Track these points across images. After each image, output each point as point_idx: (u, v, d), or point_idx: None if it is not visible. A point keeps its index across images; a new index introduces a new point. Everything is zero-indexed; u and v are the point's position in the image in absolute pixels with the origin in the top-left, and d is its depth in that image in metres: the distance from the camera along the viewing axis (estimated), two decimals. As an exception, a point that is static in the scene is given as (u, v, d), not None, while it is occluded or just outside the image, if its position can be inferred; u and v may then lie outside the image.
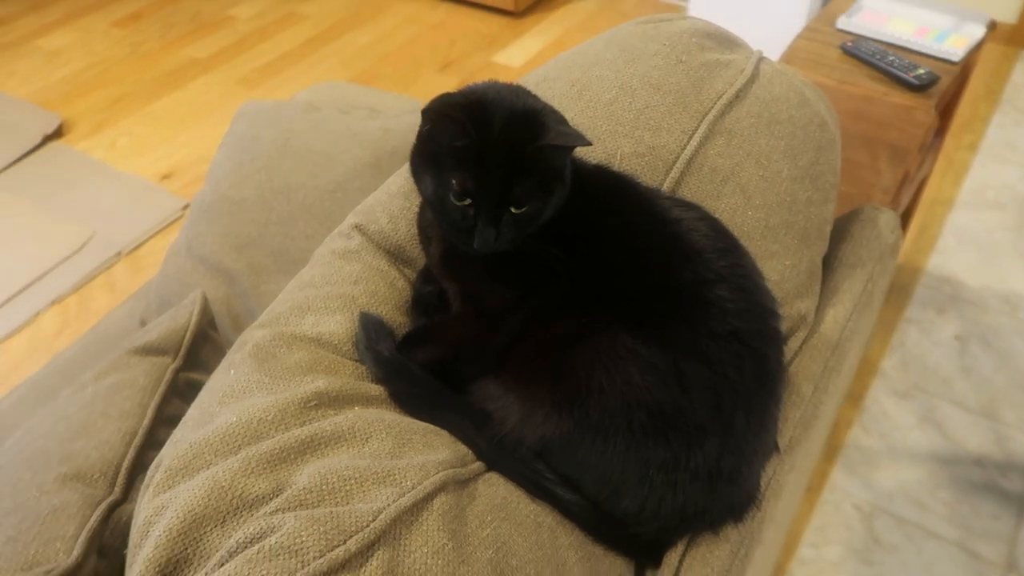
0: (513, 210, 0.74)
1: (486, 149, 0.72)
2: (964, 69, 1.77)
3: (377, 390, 0.77)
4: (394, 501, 0.61)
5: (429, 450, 0.69)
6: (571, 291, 0.75)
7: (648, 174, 0.90)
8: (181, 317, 1.08)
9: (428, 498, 0.63)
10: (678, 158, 0.90)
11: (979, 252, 2.50)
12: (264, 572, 0.54)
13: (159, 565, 0.61)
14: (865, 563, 1.76)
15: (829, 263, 1.00)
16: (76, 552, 0.71)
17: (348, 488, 0.63)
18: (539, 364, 0.74)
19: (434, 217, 0.80)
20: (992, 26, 1.84)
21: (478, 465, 0.72)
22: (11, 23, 3.86)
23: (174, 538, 0.62)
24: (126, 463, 0.84)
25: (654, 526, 0.72)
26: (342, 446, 0.68)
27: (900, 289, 2.38)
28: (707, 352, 0.71)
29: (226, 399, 0.76)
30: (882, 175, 1.48)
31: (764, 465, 0.78)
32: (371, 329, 0.80)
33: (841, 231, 1.03)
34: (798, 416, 0.84)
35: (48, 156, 3.10)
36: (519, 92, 0.76)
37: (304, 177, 1.38)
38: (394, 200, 0.95)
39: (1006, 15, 3.22)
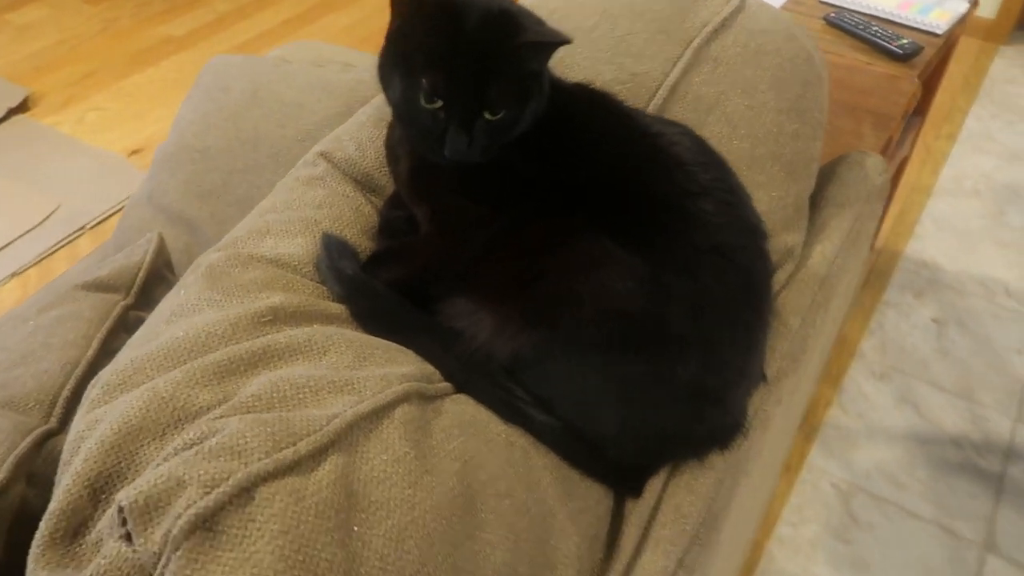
0: (487, 116, 0.69)
1: (459, 46, 0.67)
2: (947, 42, 1.75)
3: (338, 308, 0.72)
4: (351, 407, 0.56)
5: (392, 364, 0.64)
6: (545, 203, 0.70)
7: (630, 101, 0.86)
8: (135, 255, 1.02)
9: (389, 406, 0.58)
10: (660, 85, 0.86)
11: (956, 238, 2.50)
12: (201, 472, 0.49)
13: (88, 479, 0.56)
14: (842, 541, 1.73)
15: (816, 203, 0.96)
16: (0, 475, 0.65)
17: (301, 396, 0.58)
18: (510, 275, 0.69)
19: (402, 127, 0.75)
20: (974, 2, 1.83)
21: (445, 385, 0.67)
22: (-21, -3, 3.76)
23: (107, 451, 0.57)
24: (65, 393, 0.78)
25: (634, 449, 0.67)
26: (297, 359, 0.63)
27: (879, 273, 2.37)
28: (688, 264, 0.67)
29: (174, 318, 0.70)
30: (865, 140, 1.46)
31: (750, 392, 0.74)
32: (333, 249, 0.75)
33: (828, 174, 1.00)
34: (786, 347, 0.80)
35: (13, 130, 3.01)
36: None
37: (272, 127, 1.32)
38: (363, 129, 0.91)
39: (986, 10, 3.24)
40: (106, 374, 0.65)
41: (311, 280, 0.75)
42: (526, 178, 0.71)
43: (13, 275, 2.37)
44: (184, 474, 0.49)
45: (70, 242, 2.50)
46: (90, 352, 0.84)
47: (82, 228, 2.53)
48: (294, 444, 0.52)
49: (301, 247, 0.78)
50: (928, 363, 2.13)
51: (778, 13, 0.94)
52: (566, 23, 0.90)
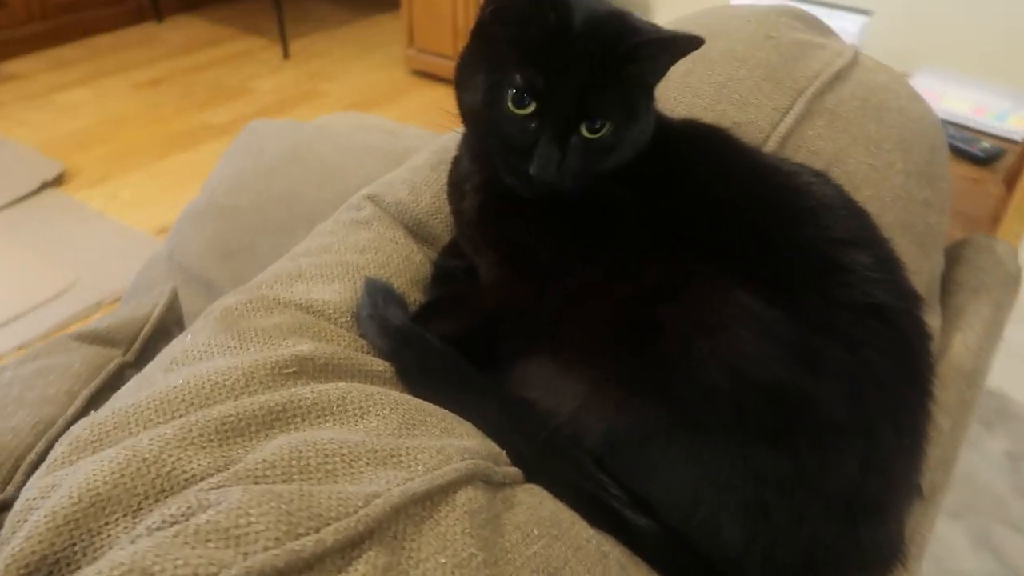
0: (585, 133, 0.57)
1: (564, 42, 0.55)
2: (1027, 150, 1.65)
3: (381, 365, 0.57)
4: (399, 485, 0.40)
5: (450, 436, 0.49)
6: (654, 243, 0.56)
7: (733, 152, 0.73)
8: (142, 309, 0.88)
9: (449, 488, 0.42)
10: (769, 136, 0.74)
11: (1025, 366, 2.32)
12: (180, 562, 0.33)
13: (26, 566, 0.40)
14: None
15: (946, 287, 0.82)
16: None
17: (331, 466, 0.42)
18: (608, 330, 0.54)
19: (478, 139, 0.62)
20: (1051, 114, 1.74)
21: (515, 471, 0.50)
22: (31, 78, 3.85)
23: (58, 527, 0.41)
24: (31, 456, 0.63)
25: (764, 574, 0.50)
26: (326, 420, 0.48)
27: (944, 398, 2.18)
28: (844, 327, 0.51)
29: (175, 365, 0.56)
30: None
31: (909, 506, 0.56)
32: (378, 295, 0.61)
33: (953, 256, 0.86)
34: (938, 455, 0.63)
35: (44, 202, 2.98)
36: None
37: (309, 187, 1.22)
38: (418, 172, 0.79)
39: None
40: (78, 428, 0.50)
41: (349, 331, 0.61)
42: (627, 214, 0.58)
43: (19, 347, 2.25)
44: (154, 564, 0.33)
45: (84, 317, 2.39)
46: (71, 410, 0.69)
47: (98, 303, 2.42)
48: (317, 530, 0.36)
49: (339, 293, 0.64)
50: (1005, 502, 1.90)
51: (895, 72, 0.83)
52: (657, 68, 0.79)
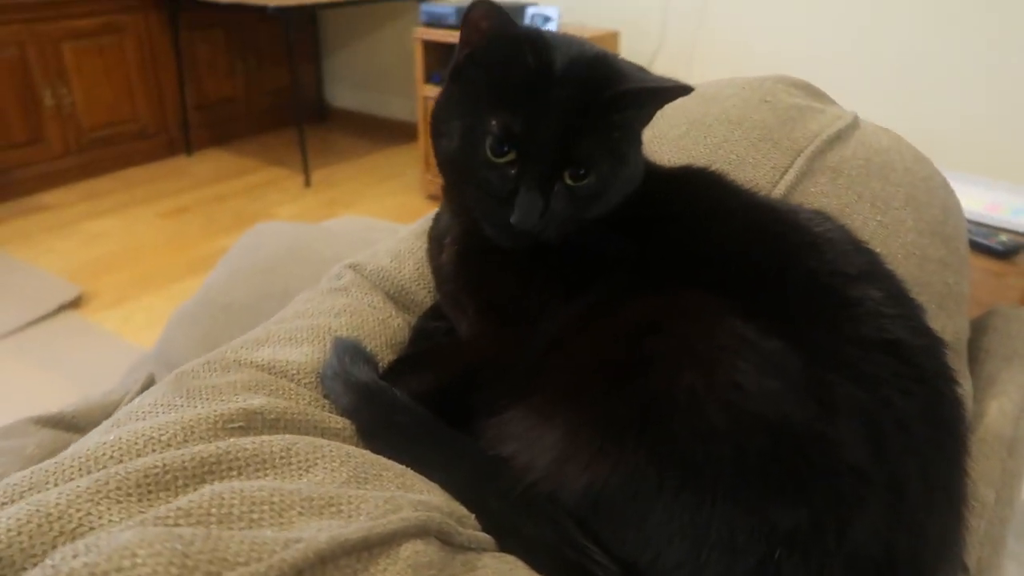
0: (569, 180, 0.53)
1: (545, 87, 0.52)
2: (1049, 245, 1.60)
3: (341, 423, 0.51)
4: (329, 531, 0.34)
5: (406, 490, 0.42)
6: (641, 280, 0.51)
7: (731, 212, 0.69)
8: (113, 395, 0.83)
9: (392, 539, 0.35)
10: (770, 194, 0.70)
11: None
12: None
13: None
14: None
15: (974, 355, 0.75)
16: None
17: (256, 514, 0.36)
18: (585, 371, 0.48)
19: (457, 188, 0.59)
20: (1069, 210, 1.71)
21: (485, 536, 0.43)
22: (64, 208, 3.99)
23: (-62, 588, 0.35)
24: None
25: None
26: (267, 472, 0.42)
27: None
28: (857, 363, 0.45)
29: (115, 425, 0.50)
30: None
31: (952, 579, 0.48)
32: (345, 354, 0.56)
33: (980, 326, 0.79)
34: (984, 529, 0.55)
35: (59, 324, 3.01)
36: (583, 41, 0.58)
37: (306, 283, 1.18)
38: (402, 242, 0.75)
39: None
40: (-9, 489, 0.44)
41: (311, 391, 0.55)
42: (613, 256, 0.53)
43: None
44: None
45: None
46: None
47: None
48: (219, 574, 0.29)
49: (306, 355, 0.59)
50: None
51: (900, 137, 0.80)
52: (649, 131, 0.77)
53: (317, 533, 0.33)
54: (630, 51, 3.12)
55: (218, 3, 3.62)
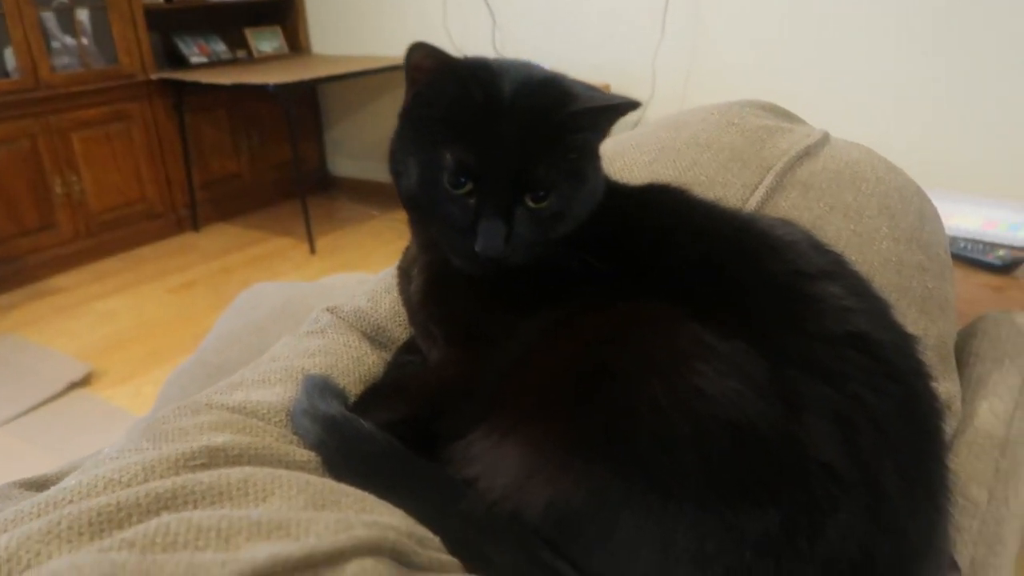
0: (530, 203, 0.53)
1: (495, 116, 0.53)
2: (1049, 260, 1.58)
3: (307, 456, 0.50)
4: (270, 551, 0.33)
5: (366, 513, 0.41)
6: (602, 294, 0.51)
7: (703, 230, 0.69)
8: (100, 455, 0.82)
9: (339, 556, 0.34)
10: (741, 211, 0.70)
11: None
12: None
13: None
14: None
15: (964, 359, 0.73)
16: None
17: (202, 541, 0.35)
18: (545, 387, 0.47)
19: (420, 223, 0.59)
20: (1066, 224, 1.70)
21: (449, 559, 0.42)
22: (74, 290, 4.04)
23: None
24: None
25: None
26: (223, 504, 0.41)
27: None
28: (822, 359, 0.44)
29: (82, 472, 0.50)
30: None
31: (941, 582, 0.45)
32: (314, 390, 0.55)
33: (968, 332, 0.78)
34: (976, 528, 0.53)
35: (69, 403, 3.02)
36: (530, 64, 0.59)
37: (299, 338, 1.19)
38: (381, 282, 0.76)
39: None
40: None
41: (281, 428, 0.55)
42: (577, 273, 0.53)
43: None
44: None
45: (94, 513, 2.30)
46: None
47: (110, 499, 2.35)
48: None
49: (278, 395, 0.58)
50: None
51: (870, 150, 0.80)
52: (620, 160, 0.78)
53: (257, 553, 0.32)
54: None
55: (221, 85, 3.73)
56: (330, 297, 1.30)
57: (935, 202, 1.69)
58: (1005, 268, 1.47)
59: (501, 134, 0.53)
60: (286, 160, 4.58)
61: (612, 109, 0.54)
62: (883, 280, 0.66)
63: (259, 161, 4.63)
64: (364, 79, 4.01)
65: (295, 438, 0.53)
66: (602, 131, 0.57)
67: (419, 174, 0.55)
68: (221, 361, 1.19)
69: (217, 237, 4.58)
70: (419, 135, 0.56)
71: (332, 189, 4.93)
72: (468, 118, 0.53)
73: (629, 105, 0.53)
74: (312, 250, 4.20)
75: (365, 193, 4.66)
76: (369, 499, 0.44)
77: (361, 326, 0.70)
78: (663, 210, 0.59)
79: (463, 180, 0.53)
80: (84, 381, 3.15)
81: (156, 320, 3.74)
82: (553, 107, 0.53)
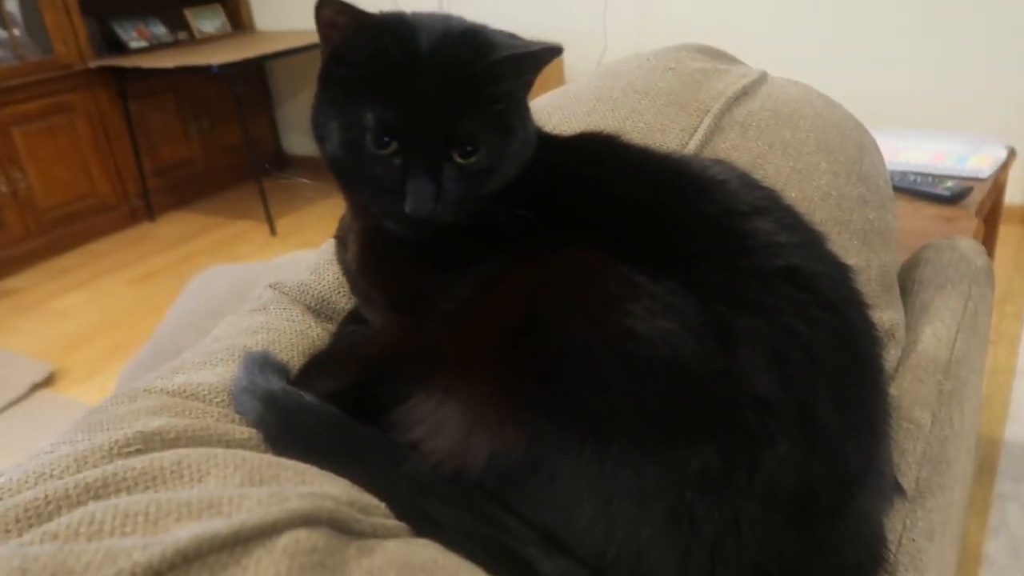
0: (458, 159, 0.52)
1: (415, 70, 0.51)
2: (995, 187, 1.61)
3: (248, 433, 0.50)
4: (195, 530, 0.32)
5: (305, 486, 0.40)
6: (532, 244, 0.50)
7: (643, 177, 0.69)
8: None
9: (270, 529, 0.33)
10: (679, 156, 0.69)
11: (1067, 418, 2.15)
12: None
13: None
14: None
15: (908, 287, 0.74)
16: None
17: (130, 526, 0.34)
18: (479, 343, 0.47)
19: (347, 187, 0.57)
20: (1011, 152, 1.72)
21: (395, 523, 0.41)
22: (29, 290, 3.94)
23: None
24: None
25: (712, 607, 0.39)
26: (156, 488, 0.40)
27: (982, 463, 2.01)
28: (753, 294, 0.44)
29: (13, 469, 0.48)
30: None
31: (884, 508, 0.46)
32: (254, 366, 0.54)
33: (914, 262, 0.79)
34: (920, 450, 0.53)
35: (34, 405, 2.95)
36: (450, 16, 0.57)
37: (255, 319, 1.17)
38: (323, 254, 0.74)
39: (1015, 197, 3.17)
40: None
41: (223, 408, 0.53)
42: (509, 227, 0.52)
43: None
44: None
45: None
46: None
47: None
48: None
49: (219, 376, 0.57)
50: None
51: (808, 86, 0.80)
52: (559, 113, 0.77)
53: (180, 533, 0.31)
54: (573, 70, 3.14)
55: (164, 69, 3.61)
56: (286, 272, 1.28)
57: (884, 139, 1.70)
58: (954, 198, 1.48)
59: (422, 89, 0.51)
60: (239, 142, 4.48)
61: (533, 56, 0.53)
62: (824, 214, 0.66)
63: (211, 145, 4.52)
64: (311, 53, 3.91)
65: (237, 417, 0.52)
66: (526, 80, 0.55)
67: (341, 137, 0.53)
68: (176, 348, 1.16)
69: (174, 225, 4.48)
70: (338, 97, 0.54)
71: (288, 168, 4.84)
72: (387, 75, 0.51)
73: (551, 51, 0.52)
74: (273, 231, 4.13)
75: (322, 170, 4.54)
76: (310, 471, 0.43)
77: (304, 300, 0.69)
78: (594, 158, 0.58)
79: (386, 140, 0.51)
80: (47, 381, 3.09)
81: (117, 314, 3.66)
82: (473, 58, 0.52)
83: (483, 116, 0.52)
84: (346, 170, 0.55)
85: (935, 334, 0.65)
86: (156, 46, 4.14)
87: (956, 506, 0.58)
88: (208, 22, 4.43)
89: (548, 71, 0.55)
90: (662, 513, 0.39)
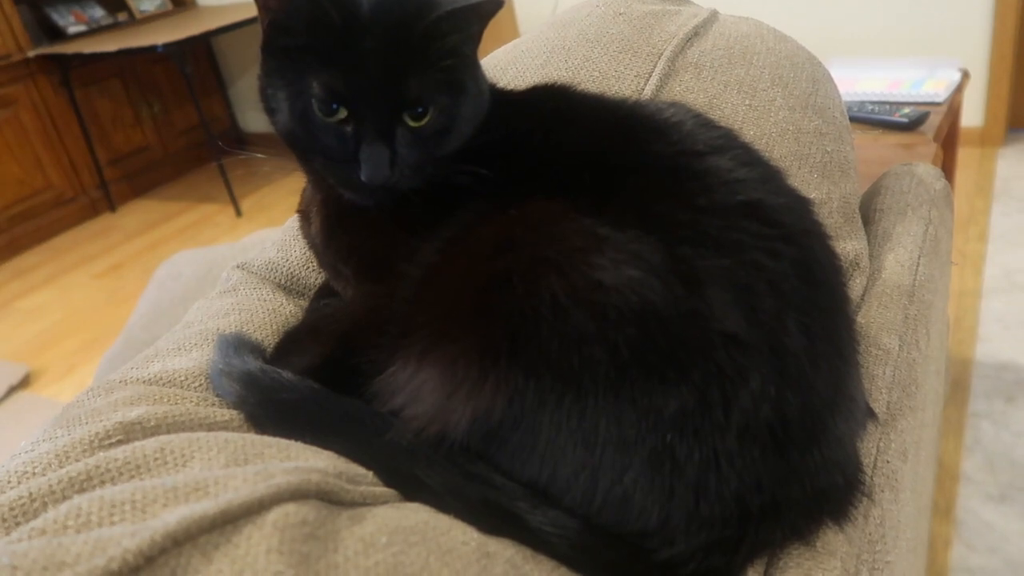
0: (410, 122, 0.51)
1: (358, 33, 0.50)
2: (951, 110, 1.63)
3: (229, 415, 0.50)
4: (183, 512, 0.32)
5: (288, 461, 0.41)
6: (495, 202, 0.50)
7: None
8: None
9: (259, 506, 0.34)
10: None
11: (1031, 332, 2.22)
12: None
13: None
14: None
15: (870, 216, 0.75)
16: None
17: (118, 516, 0.34)
18: (452, 306, 0.47)
19: (302, 158, 0.57)
20: (965, 74, 1.74)
21: (383, 490, 0.42)
22: (-9, 293, 3.85)
23: None
24: None
25: (696, 542, 0.41)
26: (142, 476, 0.40)
27: (955, 384, 2.07)
28: (715, 232, 0.45)
29: (-3, 469, 0.48)
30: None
31: (856, 431, 0.48)
32: (228, 347, 0.54)
33: (873, 190, 0.80)
34: (890, 374, 0.55)
35: (13, 407, 2.92)
36: None
37: (226, 302, 1.16)
38: (289, 230, 0.73)
39: (972, 119, 3.21)
40: None
41: (201, 392, 0.53)
42: (470, 187, 0.52)
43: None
44: None
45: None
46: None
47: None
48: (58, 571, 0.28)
49: (194, 361, 0.57)
50: (1053, 474, 1.76)
51: (759, 22, 0.79)
52: (513, 68, 0.76)
53: (169, 517, 0.32)
54: (527, 23, 3.10)
55: (106, 53, 3.50)
56: (253, 253, 1.27)
57: (839, 70, 1.71)
58: (912, 125, 1.50)
59: (366, 53, 0.50)
60: (194, 124, 4.38)
61: (476, 9, 0.52)
62: (782, 149, 0.66)
63: (165, 129, 4.41)
64: (258, 26, 3.82)
65: (217, 400, 0.52)
66: (472, 34, 0.54)
67: (290, 107, 0.52)
68: (149, 337, 1.15)
69: (136, 214, 4.40)
70: (283, 67, 0.53)
71: (248, 146, 4.71)
72: (329, 41, 0.50)
73: (493, 4, 0.51)
74: (238, 212, 4.07)
75: (283, 145, 4.51)
76: (295, 447, 0.43)
77: (274, 277, 0.68)
78: (548, 110, 0.58)
79: (335, 107, 0.51)
80: (23, 383, 3.05)
81: (87, 308, 3.61)
82: (415, 16, 0.51)
83: (432, 75, 0.51)
84: (299, 141, 0.54)
85: (898, 260, 0.67)
86: (96, 29, 4.00)
87: (928, 427, 0.60)
88: (148, 1, 4.29)
89: (501, 24, 0.54)
90: (644, 457, 0.40)
